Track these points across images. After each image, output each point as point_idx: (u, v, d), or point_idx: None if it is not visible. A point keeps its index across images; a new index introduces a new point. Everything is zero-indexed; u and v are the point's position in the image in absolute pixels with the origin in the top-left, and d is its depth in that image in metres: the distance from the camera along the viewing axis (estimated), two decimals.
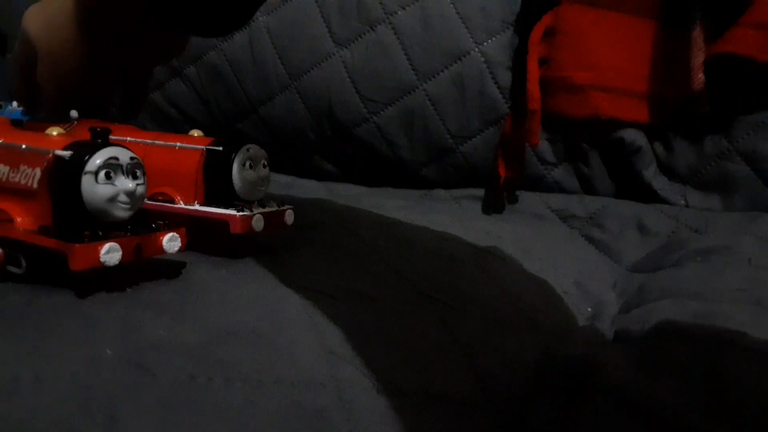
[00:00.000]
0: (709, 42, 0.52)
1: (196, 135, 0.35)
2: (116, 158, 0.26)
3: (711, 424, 0.26)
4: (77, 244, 0.25)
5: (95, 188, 0.26)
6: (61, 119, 0.40)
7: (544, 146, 0.59)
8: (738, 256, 0.45)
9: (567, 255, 0.50)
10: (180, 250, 0.28)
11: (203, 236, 0.33)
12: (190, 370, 0.23)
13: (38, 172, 0.26)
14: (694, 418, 0.27)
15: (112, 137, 0.27)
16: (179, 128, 0.73)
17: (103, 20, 0.37)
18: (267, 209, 0.33)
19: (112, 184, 0.26)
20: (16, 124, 0.37)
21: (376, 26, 0.63)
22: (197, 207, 0.33)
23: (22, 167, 0.27)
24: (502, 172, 0.58)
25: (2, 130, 0.30)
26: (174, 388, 0.22)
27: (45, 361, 0.22)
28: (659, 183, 0.56)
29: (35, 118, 0.44)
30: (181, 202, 0.33)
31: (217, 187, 0.33)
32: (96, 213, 0.26)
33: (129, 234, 0.27)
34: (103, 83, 0.42)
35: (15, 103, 0.51)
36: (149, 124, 0.76)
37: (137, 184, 0.27)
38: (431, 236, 0.44)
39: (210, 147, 0.33)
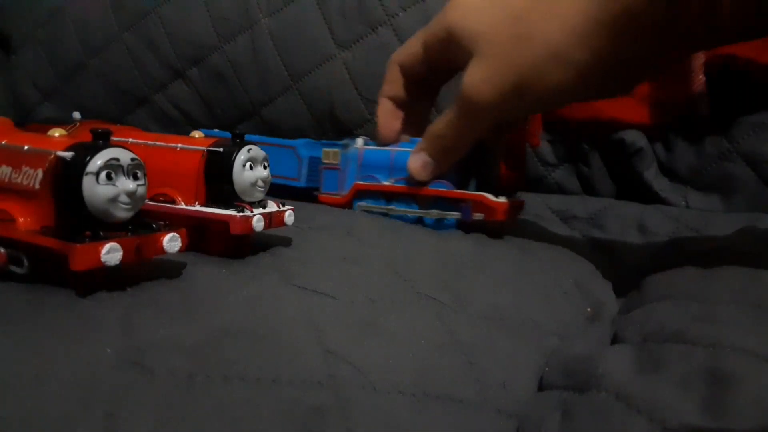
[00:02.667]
0: None
1: (197, 136, 0.35)
2: (117, 159, 0.27)
3: (711, 425, 0.26)
4: (78, 245, 0.25)
5: (96, 189, 0.26)
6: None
7: (545, 147, 0.59)
8: (738, 256, 0.45)
9: (567, 255, 0.51)
10: (180, 251, 0.29)
11: (204, 237, 0.33)
12: (189, 369, 0.23)
13: (40, 173, 0.27)
14: (694, 418, 0.27)
15: (113, 138, 0.28)
16: (181, 130, 0.74)
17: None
18: (267, 210, 0.33)
19: (113, 184, 0.26)
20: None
21: (377, 28, 0.63)
22: (198, 208, 0.33)
23: (24, 168, 0.27)
24: (502, 172, 0.58)
25: (5, 132, 0.30)
26: (173, 387, 0.22)
27: (45, 360, 0.22)
28: (660, 184, 0.56)
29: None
30: (182, 203, 0.33)
31: (218, 188, 0.33)
32: (97, 213, 0.26)
33: (130, 234, 0.27)
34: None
35: (359, 140, 0.48)
36: (151, 126, 0.76)
37: (138, 185, 0.27)
38: (431, 236, 0.44)
39: (211, 148, 0.33)
